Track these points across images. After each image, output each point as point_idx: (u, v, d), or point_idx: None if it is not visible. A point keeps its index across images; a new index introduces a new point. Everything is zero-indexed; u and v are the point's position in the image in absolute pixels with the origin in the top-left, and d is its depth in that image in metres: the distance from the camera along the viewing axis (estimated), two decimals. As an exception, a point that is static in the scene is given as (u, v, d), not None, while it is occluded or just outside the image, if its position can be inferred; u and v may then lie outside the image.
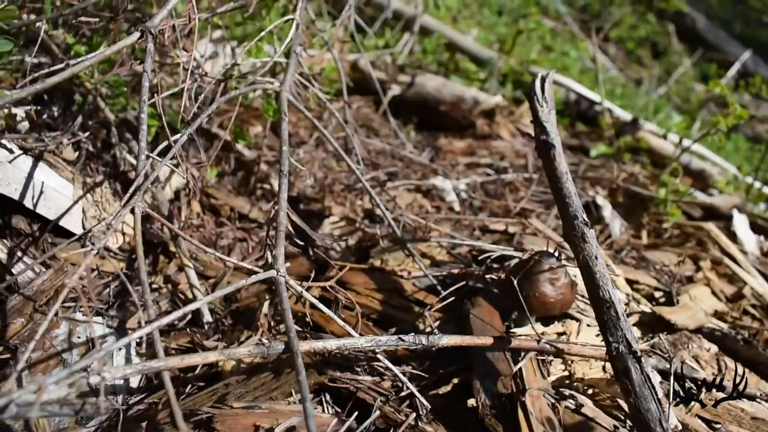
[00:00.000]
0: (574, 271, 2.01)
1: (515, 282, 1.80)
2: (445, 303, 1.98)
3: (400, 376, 1.57)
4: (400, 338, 1.48)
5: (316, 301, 1.56)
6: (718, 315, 2.40)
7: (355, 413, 1.57)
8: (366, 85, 3.80)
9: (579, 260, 1.64)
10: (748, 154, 5.68)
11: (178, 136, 1.69)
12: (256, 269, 1.57)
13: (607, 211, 2.82)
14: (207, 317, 1.98)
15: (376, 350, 1.53)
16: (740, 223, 3.09)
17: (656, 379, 1.72)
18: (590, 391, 1.74)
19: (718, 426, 1.90)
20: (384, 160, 3.16)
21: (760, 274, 2.94)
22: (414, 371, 1.76)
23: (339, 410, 1.63)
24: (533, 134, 1.95)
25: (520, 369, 1.72)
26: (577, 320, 1.96)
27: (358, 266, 2.12)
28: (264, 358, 1.67)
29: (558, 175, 1.83)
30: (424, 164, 3.08)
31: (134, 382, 1.80)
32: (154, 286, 2.16)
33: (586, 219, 1.70)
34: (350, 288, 2.03)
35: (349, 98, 3.61)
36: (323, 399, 1.67)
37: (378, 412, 1.59)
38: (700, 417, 1.90)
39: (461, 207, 2.80)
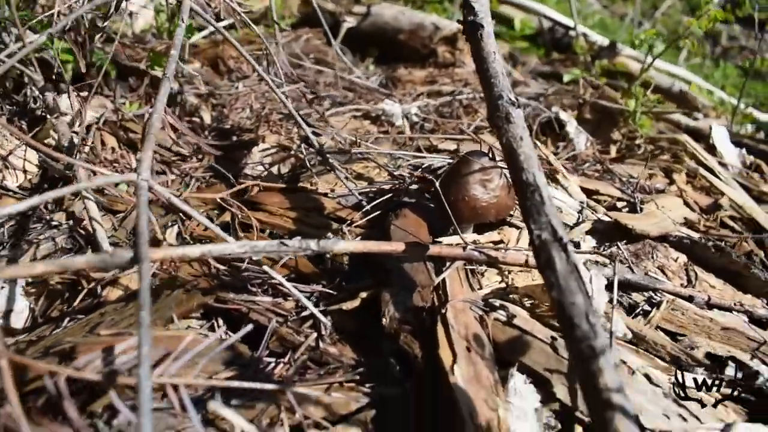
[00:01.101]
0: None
1: (437, 185, 1.52)
2: (368, 218, 1.71)
3: (291, 288, 1.31)
4: (281, 242, 1.22)
5: (188, 209, 1.29)
6: (689, 224, 2.14)
7: (238, 336, 1.32)
8: (319, 18, 3.49)
9: (502, 143, 1.37)
10: (736, 81, 5.33)
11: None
12: (120, 176, 1.31)
13: (572, 126, 2.53)
14: (105, 246, 1.73)
15: (254, 257, 1.27)
16: (719, 136, 2.80)
17: (600, 282, 1.45)
18: (527, 302, 1.48)
19: (682, 338, 1.65)
20: (333, 90, 2.87)
21: (741, 186, 2.66)
22: (324, 290, 1.50)
23: (231, 334, 1.38)
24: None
25: (444, 280, 1.46)
26: (518, 228, 1.69)
27: (273, 185, 1.86)
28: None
29: (484, 56, 1.56)
30: (372, 88, 2.79)
31: (19, 323, 1.57)
32: (54, 222, 1.91)
33: (514, 99, 1.43)
34: (263, 208, 1.77)
35: (300, 30, 3.32)
36: (215, 323, 1.41)
37: (273, 334, 1.33)
38: (662, 328, 1.64)
39: (411, 131, 2.52)
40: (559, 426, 1.35)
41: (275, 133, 2.46)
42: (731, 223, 2.42)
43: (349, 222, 1.68)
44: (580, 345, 1.06)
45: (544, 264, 1.18)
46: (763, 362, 1.71)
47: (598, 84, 3.14)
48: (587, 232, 1.82)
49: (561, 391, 1.37)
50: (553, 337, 1.41)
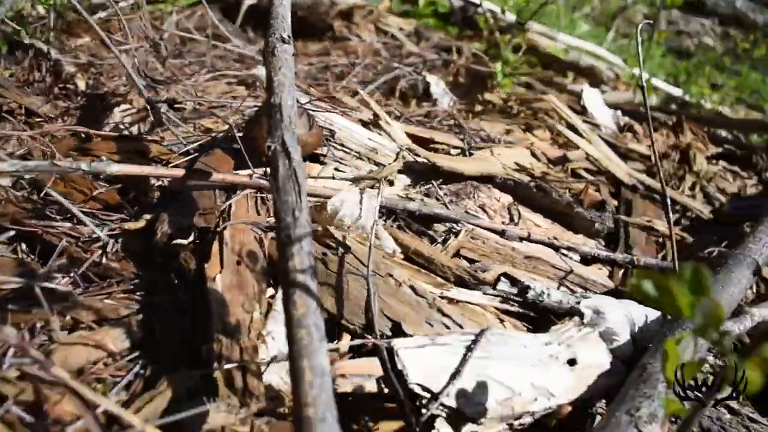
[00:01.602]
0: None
1: (232, 123, 1.67)
2: (187, 158, 1.85)
3: (75, 211, 1.45)
4: (53, 163, 1.36)
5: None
6: (525, 170, 2.28)
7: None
8: (218, -5, 3.65)
9: (267, 73, 1.52)
10: (661, 61, 5.51)
11: None
12: None
13: (437, 87, 2.69)
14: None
15: (26, 175, 1.40)
16: (591, 98, 2.96)
17: (371, 203, 1.59)
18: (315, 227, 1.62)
19: (477, 263, 1.80)
20: (216, 60, 3.02)
21: (609, 144, 2.82)
22: (125, 217, 1.64)
23: (31, 255, 1.52)
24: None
25: (230, 205, 1.60)
26: (323, 164, 1.84)
27: (110, 134, 2.00)
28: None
29: (274, 2, 1.71)
30: (248, 56, 2.93)
31: None
32: None
33: (286, 37, 1.58)
34: (91, 153, 1.90)
35: (195, 7, 3.47)
36: (18, 247, 1.55)
37: (62, 252, 1.47)
38: (464, 256, 1.79)
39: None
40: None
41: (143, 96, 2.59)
42: (584, 174, 2.58)
43: (165, 162, 1.82)
44: (281, 234, 1.21)
45: (272, 171, 1.32)
46: (571, 291, 1.87)
47: (476, 52, 3.29)
48: (402, 172, 1.97)
49: (329, 302, 1.51)
50: (324, 254, 1.55)
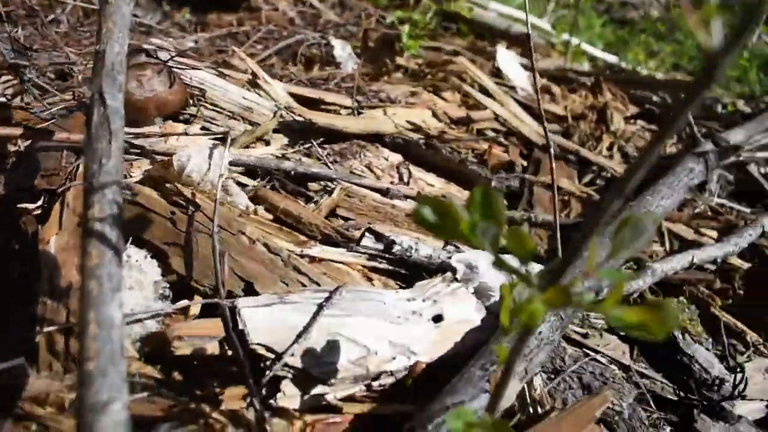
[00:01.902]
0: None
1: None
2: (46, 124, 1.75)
3: None
4: None
5: None
6: (422, 131, 2.21)
7: None
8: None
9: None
10: (602, 31, 5.49)
11: None
12: None
13: (342, 51, 2.60)
14: None
15: None
16: (505, 60, 2.90)
17: (219, 157, 1.51)
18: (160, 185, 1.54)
19: (352, 221, 1.73)
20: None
21: (523, 106, 2.77)
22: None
23: None
24: None
25: (77, 166, 1.51)
26: (188, 123, 1.75)
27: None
28: None
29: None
30: (145, 24, 2.82)
31: None
32: None
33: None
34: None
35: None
36: None
37: None
38: (341, 216, 1.72)
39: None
40: (172, 295, 1.41)
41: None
42: (491, 133, 2.52)
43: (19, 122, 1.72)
44: (87, 182, 1.12)
45: (87, 118, 1.23)
46: (457, 247, 1.81)
47: (384, 15, 3.21)
48: (281, 132, 1.89)
49: (177, 263, 1.43)
50: (172, 212, 1.47)
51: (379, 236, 1.55)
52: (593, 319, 1.82)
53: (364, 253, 1.55)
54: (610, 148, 2.75)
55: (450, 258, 1.55)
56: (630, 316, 0.75)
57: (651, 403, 1.61)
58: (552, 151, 1.74)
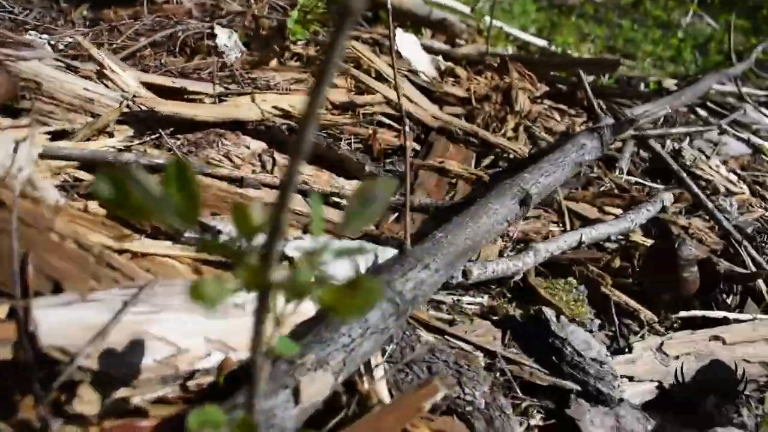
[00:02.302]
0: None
1: None
2: None
3: None
4: None
5: None
6: (292, 116, 2.11)
7: None
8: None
9: None
10: (537, 17, 5.45)
11: None
12: None
13: (228, 39, 2.49)
14: None
15: None
16: (405, 43, 2.81)
17: (28, 151, 1.39)
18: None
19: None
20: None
21: (422, 89, 2.68)
22: None
23: None
24: None
25: None
26: (17, 117, 1.63)
27: None
28: None
29: None
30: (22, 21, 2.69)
31: None
32: None
33: None
34: None
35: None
36: None
37: None
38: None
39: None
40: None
41: None
42: (381, 117, 2.43)
43: None
44: None
45: None
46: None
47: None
48: (125, 123, 1.77)
49: (-29, 266, 1.30)
50: (-34, 210, 1.34)
51: (205, 226, 1.44)
52: (465, 304, 1.73)
53: (194, 244, 1.44)
54: (515, 129, 2.67)
55: (285, 246, 1.44)
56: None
57: (518, 390, 1.52)
58: (406, 128, 1.65)
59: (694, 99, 3.64)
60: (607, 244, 2.23)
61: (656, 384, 1.76)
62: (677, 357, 1.83)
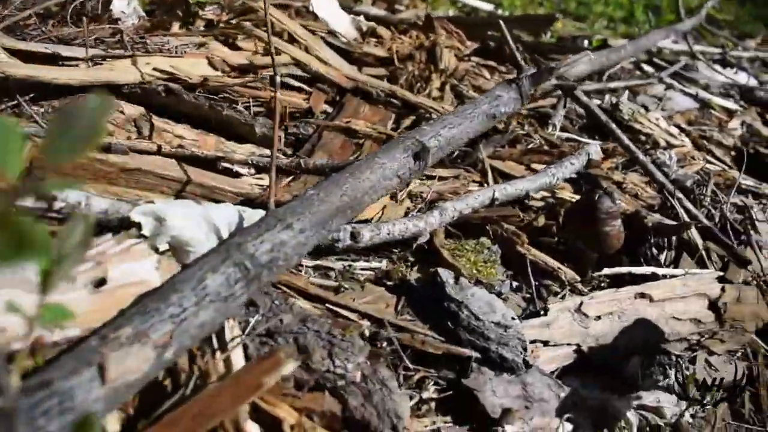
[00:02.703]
0: None
1: None
2: None
3: None
4: None
5: None
6: (180, 80, 1.91)
7: None
8: None
9: None
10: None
11: None
12: None
13: (124, 6, 2.29)
14: None
15: None
16: (322, 4, 2.61)
17: None
18: None
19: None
20: None
21: (340, 50, 2.49)
22: None
23: None
24: None
25: None
26: None
27: None
28: None
29: None
30: None
31: None
32: None
33: None
34: None
35: None
36: None
37: None
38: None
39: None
40: None
41: None
42: (293, 81, 2.24)
43: None
44: None
45: None
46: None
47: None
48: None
49: None
50: None
51: (42, 195, 1.24)
52: (359, 270, 1.55)
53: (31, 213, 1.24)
54: (441, 89, 2.49)
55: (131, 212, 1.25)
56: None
57: (406, 360, 1.34)
58: (278, 78, 1.46)
59: (638, 54, 3.48)
60: (533, 203, 2.06)
61: (574, 348, 1.60)
62: (598, 317, 1.66)
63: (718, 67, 4.22)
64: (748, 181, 2.61)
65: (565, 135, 2.52)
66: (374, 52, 2.55)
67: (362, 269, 1.56)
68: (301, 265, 1.49)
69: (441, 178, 2.01)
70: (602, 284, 1.88)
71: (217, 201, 1.55)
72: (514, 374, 1.44)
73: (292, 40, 2.43)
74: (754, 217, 2.33)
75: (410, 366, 1.37)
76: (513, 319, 1.49)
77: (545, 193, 2.09)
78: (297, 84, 2.27)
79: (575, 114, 2.77)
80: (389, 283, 1.53)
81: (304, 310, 1.35)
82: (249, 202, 1.58)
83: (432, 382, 1.39)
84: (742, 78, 4.21)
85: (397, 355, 1.36)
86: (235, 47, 2.31)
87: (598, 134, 2.65)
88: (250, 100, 2.05)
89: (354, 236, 1.50)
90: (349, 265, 1.54)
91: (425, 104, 2.32)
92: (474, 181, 2.07)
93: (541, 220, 1.99)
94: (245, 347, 1.23)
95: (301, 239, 1.27)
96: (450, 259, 1.55)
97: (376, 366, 1.30)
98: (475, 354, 1.41)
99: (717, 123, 3.27)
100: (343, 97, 2.30)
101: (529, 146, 2.32)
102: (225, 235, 1.34)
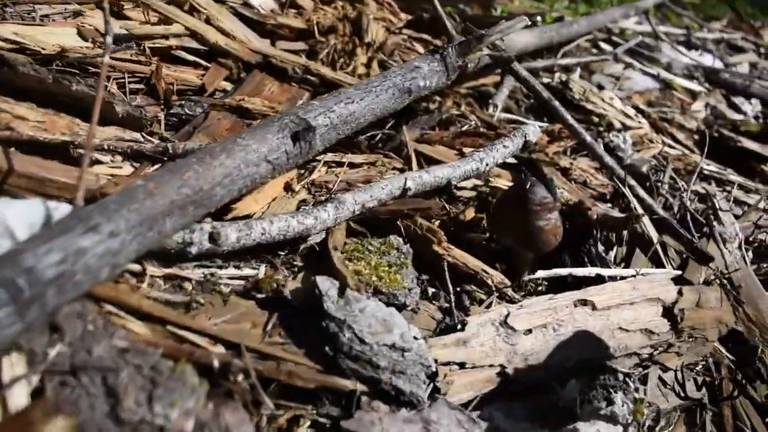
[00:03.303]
0: None
1: None
2: None
3: None
4: None
5: None
6: (30, 51, 1.56)
7: None
8: None
9: None
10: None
11: None
12: None
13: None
14: None
15: None
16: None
17: None
18: None
19: None
20: None
21: (251, 22, 2.15)
22: None
23: None
24: None
25: None
26: None
27: None
28: None
29: None
30: None
31: None
32: None
33: None
34: None
35: None
36: None
37: None
38: None
39: None
40: None
41: None
42: (186, 54, 1.90)
43: None
44: None
45: None
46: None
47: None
48: None
49: None
50: None
51: None
52: (226, 279, 1.22)
53: None
54: (368, 65, 2.16)
55: None
56: None
57: (264, 397, 1.02)
58: (108, 42, 1.11)
59: (593, 29, 3.17)
60: (463, 193, 1.74)
61: (497, 370, 1.29)
62: (529, 331, 1.35)
63: (682, 48, 3.94)
64: (711, 167, 2.32)
65: (508, 116, 2.20)
66: (290, 23, 2.22)
67: (230, 278, 1.23)
68: (144, 275, 1.15)
69: (353, 165, 1.69)
70: (540, 289, 1.58)
71: (50, 197, 1.21)
72: (415, 410, 1.12)
73: (193, 9, 2.08)
74: (717, 207, 2.04)
75: (281, 403, 1.05)
76: (416, 338, 1.17)
77: (478, 182, 1.78)
78: (192, 58, 1.92)
79: (522, 94, 2.45)
80: (260, 296, 1.20)
81: (132, 335, 1.02)
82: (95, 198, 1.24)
83: (308, 423, 1.07)
84: (708, 60, 3.94)
85: (257, 391, 1.03)
86: (121, 16, 1.96)
87: (547, 116, 2.34)
88: (126, 75, 1.70)
89: (214, 238, 1.17)
90: (212, 274, 1.21)
91: (345, 81, 1.99)
92: (395, 169, 1.75)
93: (470, 214, 1.68)
94: (41, 388, 0.90)
95: (112, 245, 0.93)
96: (339, 264, 1.22)
97: (221, 409, 0.97)
98: (361, 387, 1.08)
99: (679, 105, 2.99)
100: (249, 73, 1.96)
101: (464, 128, 2.00)
102: (20, 234, 1.00)
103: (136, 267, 1.17)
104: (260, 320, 1.17)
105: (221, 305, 1.17)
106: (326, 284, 1.16)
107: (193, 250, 1.17)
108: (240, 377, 1.05)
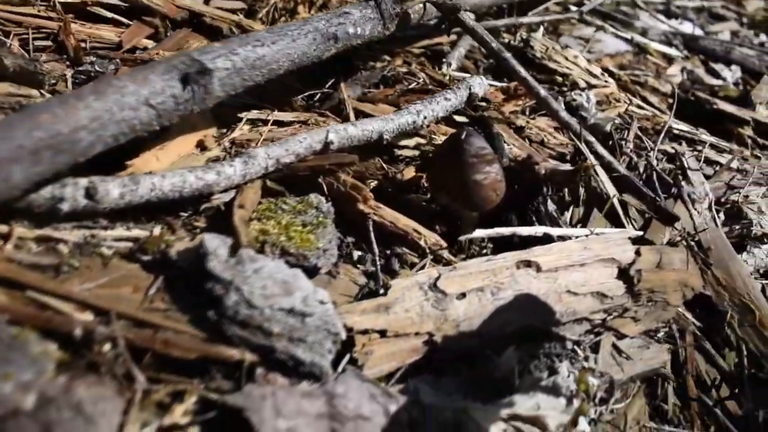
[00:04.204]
0: None
1: None
2: None
3: None
4: None
5: None
6: None
7: None
8: None
9: None
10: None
11: None
12: None
13: None
14: None
15: None
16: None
17: None
18: None
19: None
20: None
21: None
22: None
23: None
24: None
25: None
26: None
27: None
28: None
29: None
30: None
31: None
32: None
33: None
34: None
35: None
36: None
37: None
38: None
39: None
40: None
41: None
42: (99, 9, 1.75)
43: None
44: None
45: None
46: None
47: None
48: None
49: None
50: None
51: None
52: (111, 241, 1.07)
53: None
54: (311, 24, 1.99)
55: None
56: None
57: (134, 369, 0.87)
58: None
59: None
60: (404, 152, 1.60)
61: (424, 338, 1.15)
62: (462, 295, 1.21)
63: (661, 17, 3.78)
64: (681, 126, 2.17)
65: (463, 76, 2.05)
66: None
67: (116, 240, 1.09)
68: (9, 236, 1.00)
69: (282, 124, 1.54)
70: (485, 252, 1.43)
71: None
72: (318, 382, 0.98)
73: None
74: (687, 166, 1.90)
75: (161, 377, 0.90)
76: (322, 303, 1.02)
77: (421, 141, 1.63)
78: (111, 15, 1.77)
79: (481, 54, 2.30)
80: (146, 258, 1.05)
81: (-24, 302, 0.87)
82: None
83: (193, 399, 0.92)
84: (687, 28, 3.78)
85: (127, 362, 0.89)
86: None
87: (508, 77, 2.18)
88: (30, 31, 1.55)
89: (90, 194, 1.02)
90: (92, 236, 1.06)
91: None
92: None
93: (409, 173, 1.53)
94: None
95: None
96: (237, 221, 1.08)
97: (73, 383, 0.83)
98: (250, 356, 0.94)
99: (654, 69, 2.84)
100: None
101: (411, 86, 1.85)
102: None
103: (2, 228, 1.02)
104: (143, 285, 1.02)
105: (100, 268, 1.03)
106: (215, 242, 1.02)
107: (65, 206, 1.02)
108: (107, 347, 0.91)
